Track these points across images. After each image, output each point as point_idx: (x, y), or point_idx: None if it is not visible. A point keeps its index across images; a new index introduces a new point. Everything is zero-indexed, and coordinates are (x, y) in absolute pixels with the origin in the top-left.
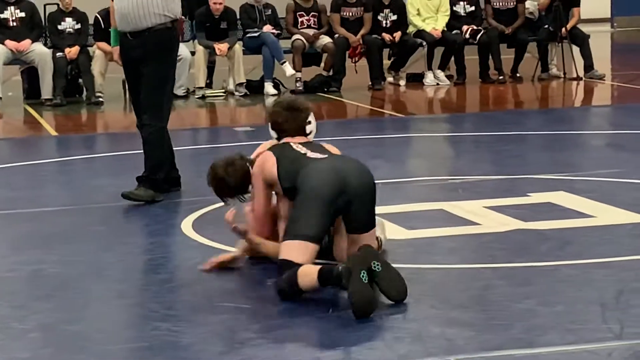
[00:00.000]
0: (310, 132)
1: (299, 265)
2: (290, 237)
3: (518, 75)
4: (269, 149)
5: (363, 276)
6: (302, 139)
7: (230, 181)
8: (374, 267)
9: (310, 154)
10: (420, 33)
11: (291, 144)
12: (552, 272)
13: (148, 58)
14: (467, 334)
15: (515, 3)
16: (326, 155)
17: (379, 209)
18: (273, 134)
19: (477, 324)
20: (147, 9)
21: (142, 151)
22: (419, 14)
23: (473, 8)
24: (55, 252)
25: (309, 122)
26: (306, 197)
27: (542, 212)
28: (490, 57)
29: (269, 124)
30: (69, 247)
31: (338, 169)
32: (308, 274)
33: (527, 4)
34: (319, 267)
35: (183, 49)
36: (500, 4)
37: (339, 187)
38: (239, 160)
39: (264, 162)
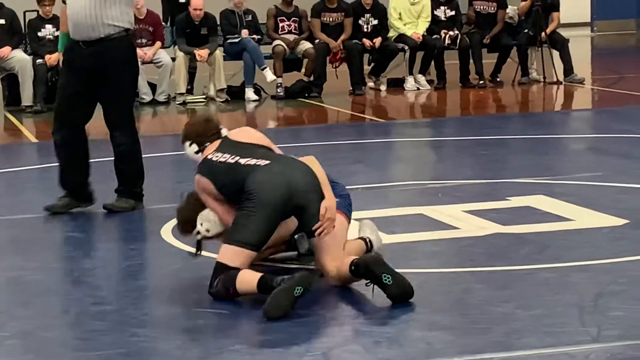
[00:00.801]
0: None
1: (236, 269)
2: (232, 242)
3: (498, 79)
4: (197, 172)
5: (297, 291)
6: (219, 142)
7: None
8: (385, 279)
9: (242, 161)
10: (402, 37)
11: (210, 157)
12: (531, 276)
13: (109, 71)
14: (447, 338)
15: (496, 8)
16: (268, 162)
17: (359, 214)
18: (193, 147)
19: (457, 328)
20: (100, 19)
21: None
22: (400, 19)
23: (453, 13)
24: (34, 258)
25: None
26: (254, 205)
27: (521, 216)
28: (470, 61)
29: (187, 140)
30: (48, 254)
31: (285, 175)
32: (247, 282)
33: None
34: (259, 275)
35: (164, 55)
36: (481, 7)
37: (288, 194)
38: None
39: (198, 182)
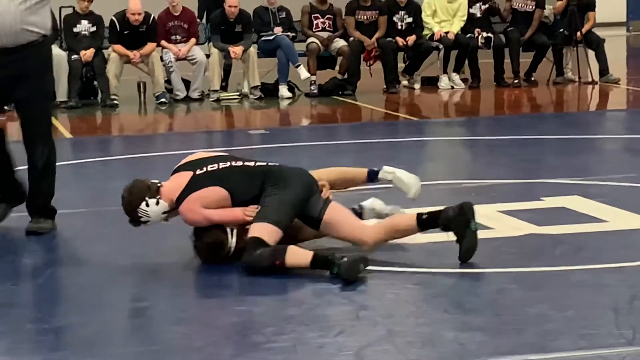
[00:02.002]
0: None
1: (268, 244)
2: (269, 221)
3: (533, 79)
4: (190, 190)
5: (361, 267)
6: (187, 172)
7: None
8: (472, 226)
9: (250, 163)
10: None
11: (204, 172)
12: (565, 277)
13: (30, 77)
14: (480, 339)
15: (534, 7)
16: (276, 162)
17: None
18: (152, 202)
19: (490, 329)
20: (22, 26)
21: (155, 154)
22: (434, 16)
23: (487, 6)
24: (68, 254)
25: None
26: (285, 192)
27: (556, 217)
28: (504, 60)
29: (139, 203)
30: (82, 250)
31: (299, 169)
32: (299, 256)
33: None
34: (312, 252)
35: (198, 52)
36: (519, 5)
37: (309, 185)
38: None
39: (204, 197)
